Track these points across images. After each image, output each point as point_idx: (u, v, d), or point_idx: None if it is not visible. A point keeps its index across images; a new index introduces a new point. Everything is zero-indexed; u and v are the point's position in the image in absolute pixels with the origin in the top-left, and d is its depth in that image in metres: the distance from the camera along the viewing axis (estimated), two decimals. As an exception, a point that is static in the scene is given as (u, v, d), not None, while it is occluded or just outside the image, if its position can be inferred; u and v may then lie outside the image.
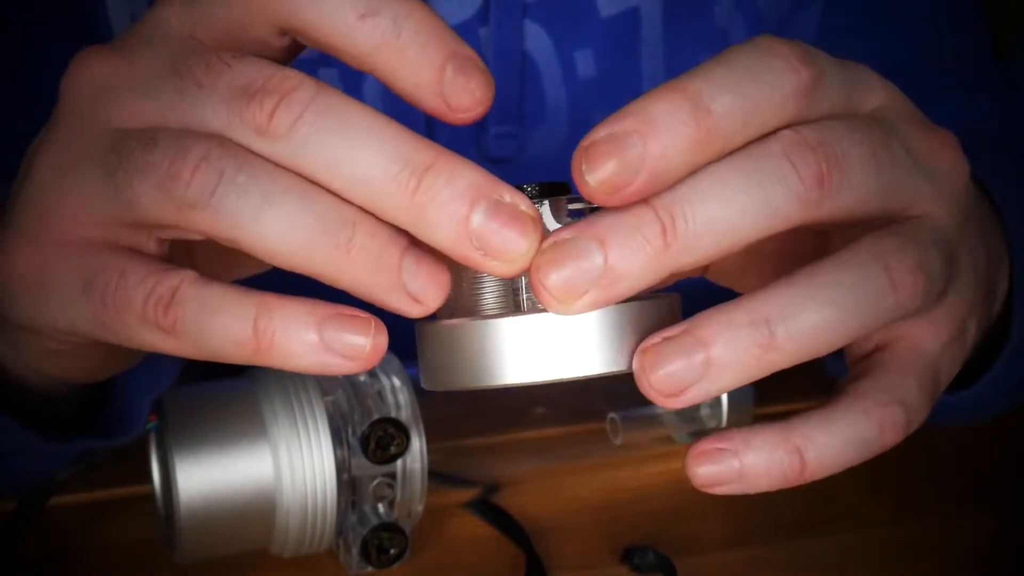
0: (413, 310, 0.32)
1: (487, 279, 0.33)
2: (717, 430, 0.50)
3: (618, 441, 0.53)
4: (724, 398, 0.53)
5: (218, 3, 0.33)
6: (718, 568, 0.50)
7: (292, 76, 0.31)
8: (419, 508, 0.49)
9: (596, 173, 0.30)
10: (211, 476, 0.44)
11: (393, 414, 0.46)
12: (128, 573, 0.50)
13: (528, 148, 0.65)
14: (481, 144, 0.64)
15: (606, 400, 0.55)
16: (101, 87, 0.33)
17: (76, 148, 0.33)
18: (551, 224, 0.34)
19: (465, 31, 0.62)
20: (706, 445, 0.33)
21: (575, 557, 0.51)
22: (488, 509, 0.53)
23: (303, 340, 0.32)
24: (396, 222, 0.31)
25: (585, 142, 0.30)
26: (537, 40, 0.63)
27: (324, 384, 0.47)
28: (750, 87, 0.30)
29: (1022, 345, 0.48)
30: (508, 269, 0.31)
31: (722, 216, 0.30)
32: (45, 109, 0.53)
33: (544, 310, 0.31)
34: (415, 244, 0.32)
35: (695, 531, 0.53)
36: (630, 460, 0.56)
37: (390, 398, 0.47)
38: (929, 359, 0.35)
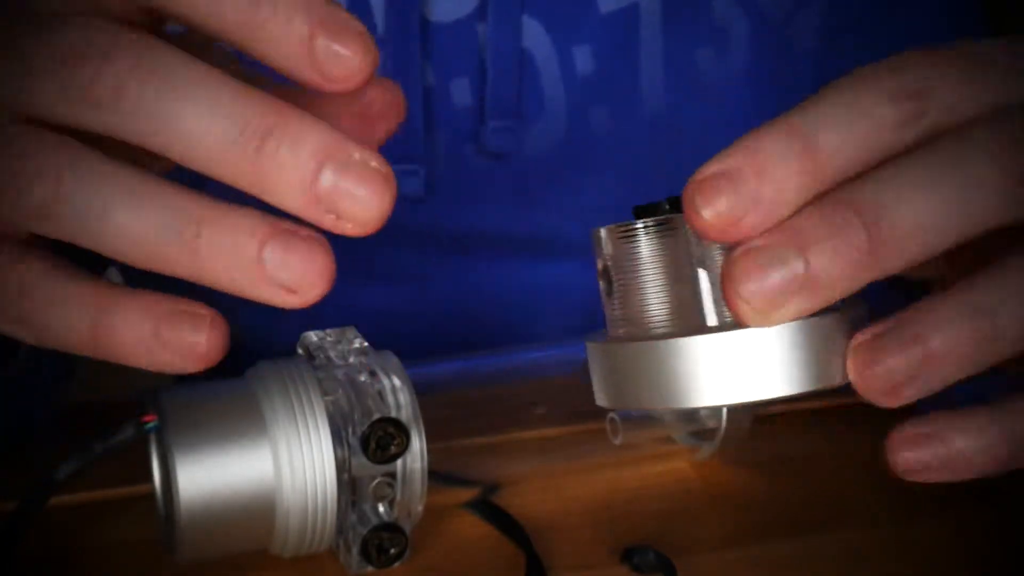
0: (289, 301, 0.31)
1: (659, 287, 0.32)
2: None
3: (618, 441, 0.53)
4: (724, 398, 0.53)
5: None
6: (718, 568, 0.50)
7: (117, 38, 0.29)
8: (419, 508, 0.49)
9: (709, 209, 0.29)
10: (211, 476, 0.44)
11: (393, 414, 0.46)
12: (128, 573, 0.50)
13: (526, 143, 0.65)
14: (479, 138, 0.64)
15: (606, 400, 0.55)
16: None
17: None
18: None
19: (463, 28, 0.62)
20: (910, 430, 0.31)
21: (575, 557, 0.51)
22: (488, 509, 0.53)
23: (140, 338, 0.31)
24: (241, 188, 0.30)
25: (697, 177, 0.30)
26: (535, 36, 0.63)
27: (325, 384, 0.47)
28: (855, 122, 0.30)
29: None
30: (362, 230, 0.30)
31: (929, 217, 0.29)
32: None
33: (734, 324, 0.30)
34: (296, 227, 0.30)
35: (695, 531, 0.53)
36: (630, 460, 0.56)
37: (390, 398, 0.47)
38: None
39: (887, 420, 0.61)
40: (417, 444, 0.47)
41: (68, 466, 0.47)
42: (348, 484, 0.47)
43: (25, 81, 0.30)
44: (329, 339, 0.50)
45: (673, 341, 0.30)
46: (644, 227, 0.32)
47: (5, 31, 0.30)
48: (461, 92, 0.64)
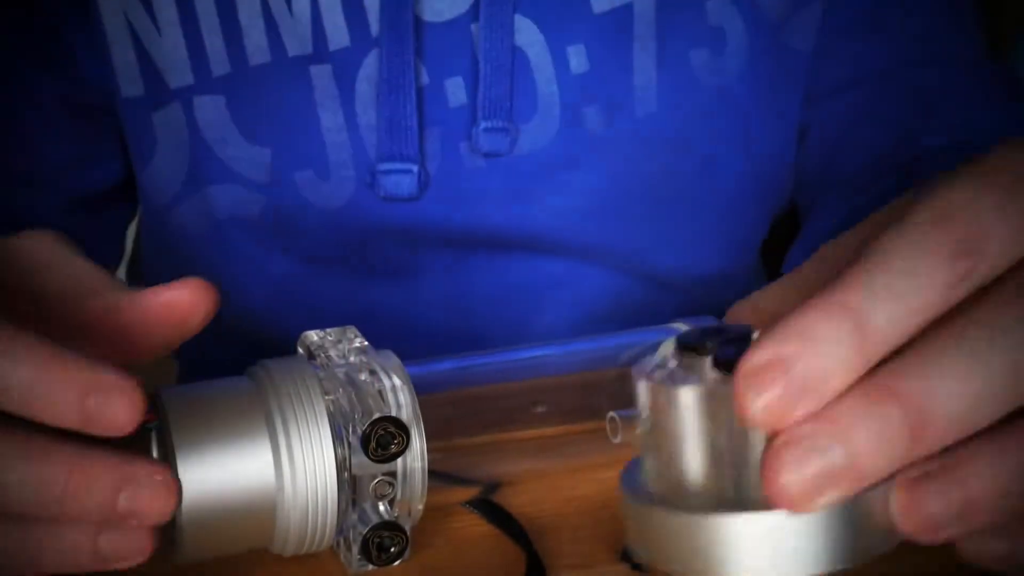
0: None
1: (701, 454, 0.31)
2: None
3: (618, 440, 0.53)
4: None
5: None
6: (718, 567, 0.50)
7: None
8: (419, 507, 0.49)
9: (761, 400, 0.29)
10: (212, 475, 0.44)
11: (393, 413, 0.46)
12: (129, 573, 0.50)
13: (520, 143, 0.65)
14: (471, 139, 0.64)
15: (606, 400, 0.55)
16: None
17: None
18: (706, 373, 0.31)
19: (457, 27, 0.63)
20: (916, 477, 0.31)
21: (575, 556, 0.51)
22: (488, 508, 0.53)
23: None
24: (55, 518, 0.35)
25: (749, 365, 0.29)
26: (528, 35, 0.63)
27: (325, 383, 0.47)
28: (909, 293, 0.29)
29: None
30: (156, 524, 0.36)
31: (976, 400, 0.29)
32: (21, 144, 0.53)
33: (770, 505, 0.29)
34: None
35: (695, 530, 0.53)
36: (630, 459, 0.56)
37: (390, 397, 0.47)
38: None
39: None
40: (417, 443, 0.48)
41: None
42: (348, 483, 0.47)
43: None
44: (330, 338, 0.51)
45: (712, 518, 0.30)
46: (694, 391, 0.31)
47: None
48: (455, 91, 0.64)
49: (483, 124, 0.63)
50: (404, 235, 0.67)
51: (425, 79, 0.64)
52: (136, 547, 0.36)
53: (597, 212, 0.69)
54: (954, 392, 0.29)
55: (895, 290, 0.29)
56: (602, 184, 0.68)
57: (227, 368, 0.79)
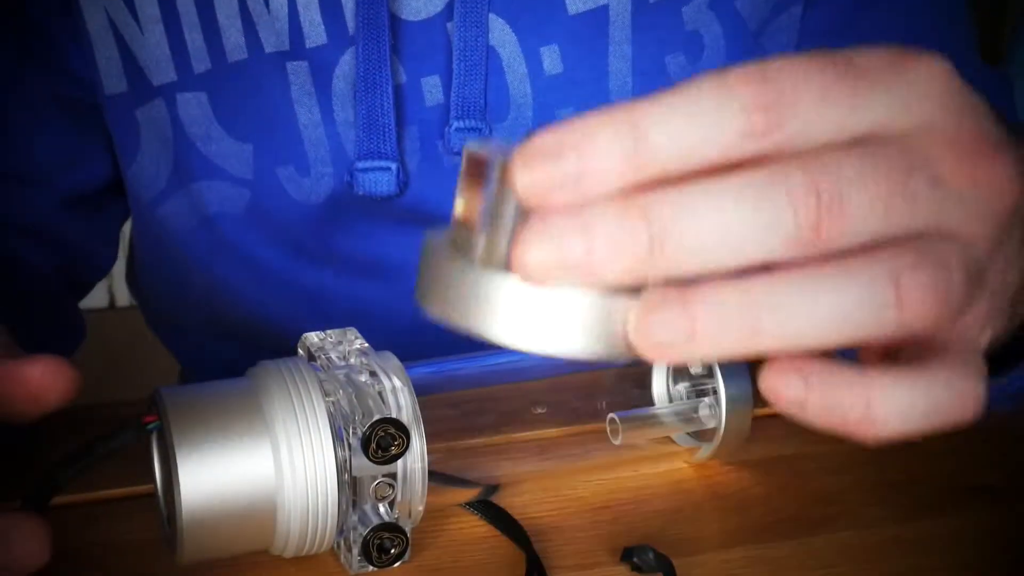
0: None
1: (481, 221, 0.33)
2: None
3: (618, 441, 0.53)
4: (723, 400, 0.54)
5: None
6: (717, 567, 0.50)
7: None
8: (419, 508, 0.49)
9: (527, 175, 0.31)
10: (212, 476, 0.45)
11: (394, 415, 0.47)
12: (129, 573, 0.50)
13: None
14: (444, 138, 0.64)
15: (606, 400, 0.56)
16: None
17: None
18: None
19: (433, 26, 0.63)
20: (784, 364, 0.32)
21: (575, 557, 0.51)
22: (488, 509, 0.53)
23: None
24: None
25: (528, 142, 0.31)
26: (501, 35, 0.64)
27: (325, 385, 0.47)
28: (696, 126, 0.30)
29: None
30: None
31: (712, 243, 0.30)
32: (13, 141, 0.53)
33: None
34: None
35: (694, 531, 0.53)
36: (630, 460, 0.57)
37: (391, 399, 0.47)
38: (979, 342, 0.35)
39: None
40: (417, 444, 0.48)
41: (70, 466, 0.47)
42: (349, 484, 0.47)
43: None
44: (330, 340, 0.51)
45: (476, 270, 0.32)
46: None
47: None
48: (432, 90, 0.64)
49: (455, 124, 0.63)
50: (388, 228, 0.67)
51: (403, 77, 0.64)
52: None
53: None
54: (701, 227, 0.30)
55: (683, 119, 0.30)
56: None
57: (227, 368, 0.79)
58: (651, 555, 0.49)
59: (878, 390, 0.32)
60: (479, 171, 0.33)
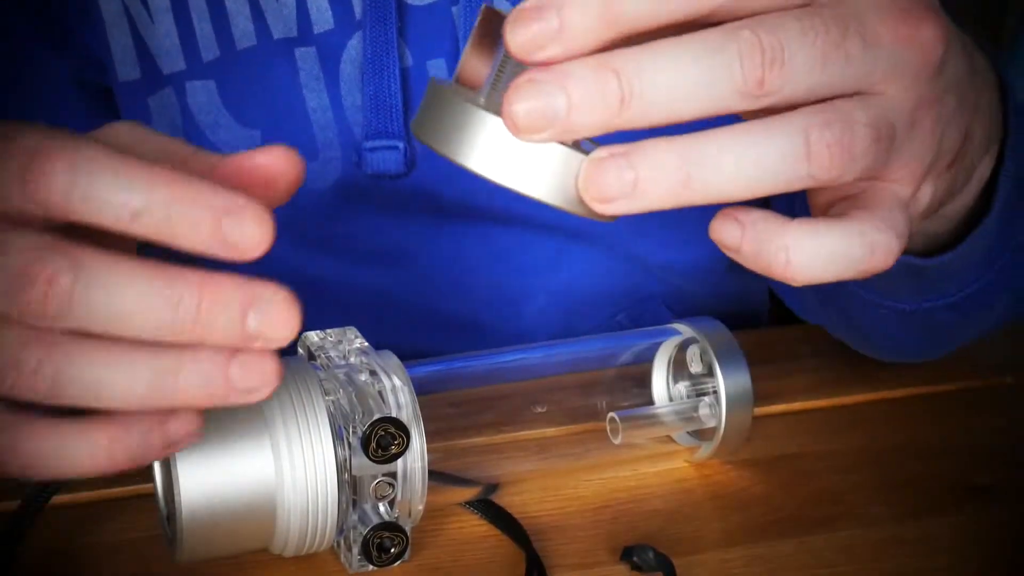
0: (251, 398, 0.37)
1: (487, 70, 0.38)
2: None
3: (618, 441, 0.53)
4: (723, 399, 0.54)
5: (10, 198, 0.34)
6: (717, 567, 0.50)
7: (52, 261, 0.34)
8: (419, 507, 0.49)
9: (519, 35, 0.34)
10: (212, 475, 0.45)
11: (394, 414, 0.47)
12: (129, 572, 0.50)
13: None
14: None
15: (606, 399, 0.56)
16: None
17: None
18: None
19: (439, 10, 0.64)
20: (727, 212, 0.37)
21: (575, 556, 0.51)
22: (488, 508, 0.53)
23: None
24: (186, 343, 0.35)
25: (520, 7, 0.34)
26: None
27: (325, 384, 0.48)
28: None
29: (1001, 219, 0.50)
30: (281, 346, 0.36)
31: (673, 94, 0.34)
32: (7, 103, 0.53)
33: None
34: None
35: (694, 530, 0.53)
36: (630, 460, 0.57)
37: (391, 398, 0.47)
38: (904, 202, 0.39)
39: (886, 421, 0.61)
40: (417, 444, 0.48)
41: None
42: (349, 483, 0.47)
43: None
44: (330, 339, 0.51)
45: (475, 109, 0.36)
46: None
47: None
48: (438, 73, 0.66)
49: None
50: (393, 215, 0.68)
51: (409, 60, 0.65)
52: (265, 377, 0.36)
53: None
54: (663, 79, 0.34)
55: None
56: None
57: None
58: (651, 554, 0.49)
59: (795, 237, 0.36)
60: (491, 30, 0.37)
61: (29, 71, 0.69)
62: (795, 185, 0.35)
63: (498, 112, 0.35)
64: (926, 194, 0.41)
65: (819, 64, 0.35)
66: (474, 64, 0.39)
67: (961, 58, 0.40)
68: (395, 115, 0.65)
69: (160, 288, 0.34)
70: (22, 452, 0.36)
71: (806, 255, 0.36)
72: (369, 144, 0.65)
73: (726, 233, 0.37)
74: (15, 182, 0.34)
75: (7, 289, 0.34)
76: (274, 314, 0.35)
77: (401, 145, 0.65)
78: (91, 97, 0.70)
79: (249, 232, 0.35)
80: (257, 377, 0.36)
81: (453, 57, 0.65)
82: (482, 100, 0.37)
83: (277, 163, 0.39)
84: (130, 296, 0.34)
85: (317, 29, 0.65)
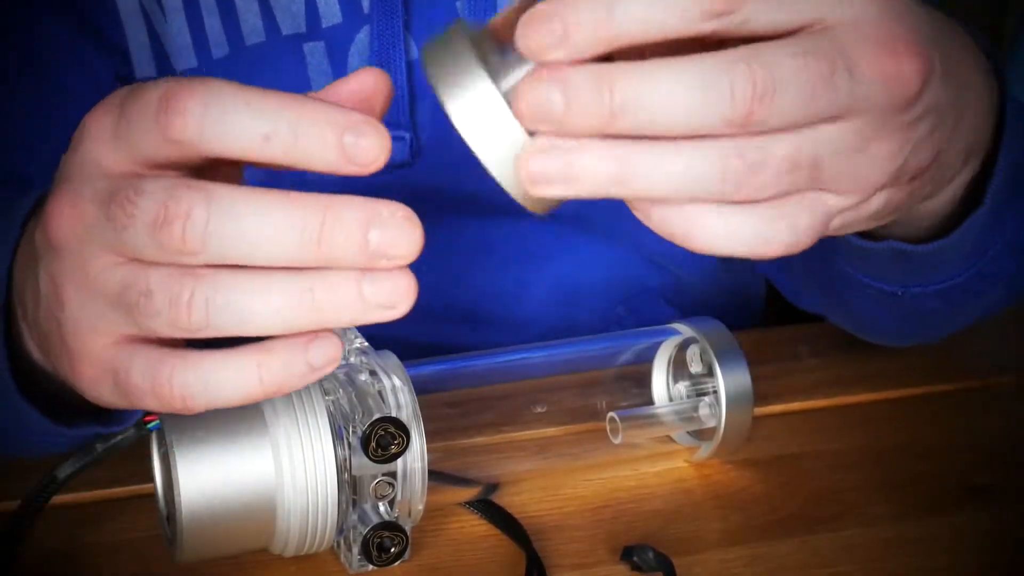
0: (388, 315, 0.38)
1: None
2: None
3: (618, 441, 0.53)
4: (723, 399, 0.54)
5: (143, 144, 0.38)
6: (717, 567, 0.50)
7: (186, 198, 0.37)
8: (419, 507, 0.49)
9: (527, 36, 0.36)
10: (212, 475, 0.45)
11: (393, 413, 0.47)
12: (129, 572, 0.50)
13: None
14: None
15: (606, 399, 0.56)
16: (77, 238, 0.39)
17: (86, 289, 0.39)
18: None
19: (442, 3, 0.65)
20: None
21: (575, 556, 0.51)
22: (488, 508, 0.53)
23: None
24: (317, 266, 0.37)
25: (529, 12, 0.36)
26: None
27: (325, 384, 0.48)
28: (661, 7, 0.36)
29: (991, 213, 0.51)
30: (407, 263, 0.37)
31: (663, 116, 0.36)
32: (55, 101, 0.54)
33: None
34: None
35: (694, 530, 0.53)
36: (630, 460, 0.57)
37: (390, 398, 0.47)
38: (826, 210, 0.40)
39: (886, 421, 0.61)
40: (417, 443, 0.48)
41: (70, 465, 0.47)
42: (349, 483, 0.47)
43: (127, 244, 0.37)
44: (330, 339, 0.51)
45: (483, 76, 0.38)
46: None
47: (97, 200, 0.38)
48: None
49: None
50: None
51: (414, 53, 0.66)
52: (399, 292, 0.37)
53: None
54: (658, 103, 0.36)
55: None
56: None
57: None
58: (651, 555, 0.49)
59: (703, 210, 0.38)
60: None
61: (75, 71, 0.69)
62: (721, 199, 0.38)
63: (495, 80, 0.37)
64: (878, 202, 0.41)
65: (807, 99, 0.36)
66: (508, 21, 0.39)
67: (945, 84, 0.41)
68: (401, 107, 0.66)
69: (285, 212, 0.37)
70: (180, 383, 0.38)
71: (709, 228, 0.38)
72: None
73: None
74: (152, 127, 0.37)
75: (151, 231, 0.36)
76: (394, 230, 0.37)
77: (407, 135, 0.66)
78: None
79: (370, 145, 0.37)
80: (390, 292, 0.37)
81: None
82: (494, 60, 0.38)
83: (372, 83, 0.41)
84: (258, 223, 0.36)
85: (325, 23, 0.66)
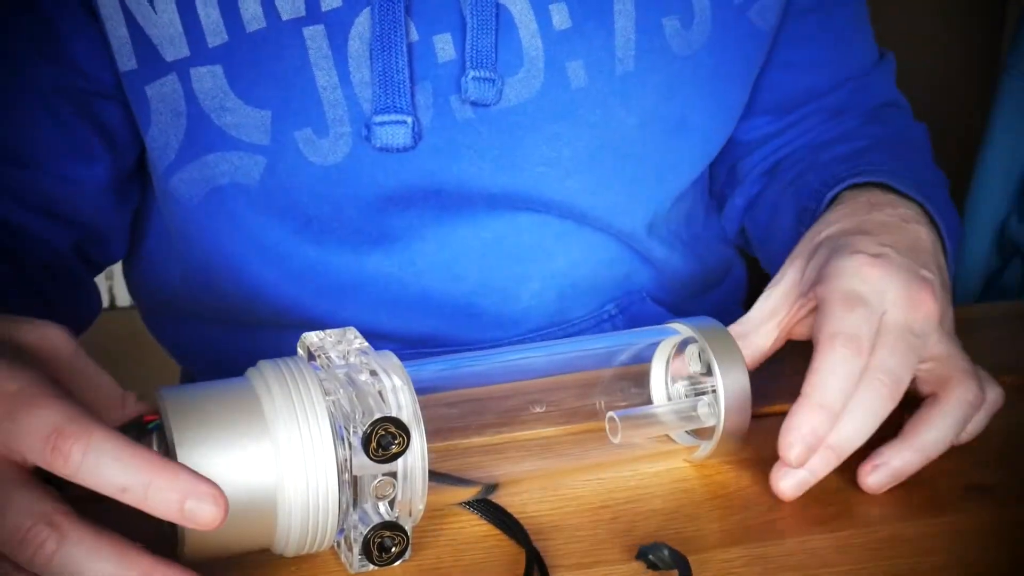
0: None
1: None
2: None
3: (617, 440, 0.53)
4: (722, 398, 0.54)
5: (24, 452, 0.44)
6: (717, 566, 0.50)
7: (44, 533, 0.43)
8: (420, 507, 0.49)
9: (784, 482, 0.54)
10: (213, 475, 0.45)
11: (394, 413, 0.47)
12: None
13: (506, 95, 0.68)
14: (460, 89, 0.66)
15: (605, 399, 0.56)
16: None
17: None
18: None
19: None
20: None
21: (575, 555, 0.51)
22: (488, 508, 0.53)
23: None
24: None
25: (786, 436, 0.54)
26: None
27: (325, 384, 0.48)
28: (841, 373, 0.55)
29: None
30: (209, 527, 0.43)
31: (860, 434, 0.55)
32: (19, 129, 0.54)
33: None
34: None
35: (694, 529, 0.53)
36: (630, 460, 0.57)
37: (391, 398, 0.47)
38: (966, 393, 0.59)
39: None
40: (418, 443, 0.48)
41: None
42: (349, 483, 0.47)
43: None
44: (330, 339, 0.51)
45: None
46: None
47: None
48: (444, 47, 0.67)
49: (471, 73, 0.66)
50: (397, 194, 0.68)
51: (415, 36, 0.67)
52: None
53: (577, 167, 0.71)
54: (852, 435, 0.55)
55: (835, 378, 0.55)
56: (582, 140, 0.70)
57: (223, 353, 0.79)
58: (666, 552, 0.49)
59: (889, 454, 0.57)
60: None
61: (16, 77, 0.69)
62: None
63: None
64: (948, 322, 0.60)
65: (908, 372, 0.56)
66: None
67: (943, 263, 0.63)
68: (403, 91, 0.66)
69: (120, 566, 0.43)
70: None
71: (898, 461, 0.56)
72: (378, 119, 0.66)
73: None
74: (37, 453, 0.43)
75: (8, 539, 0.43)
76: (205, 505, 0.42)
77: (409, 120, 0.66)
78: (72, 103, 0.70)
79: (207, 511, 0.42)
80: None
81: (458, 31, 0.66)
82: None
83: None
84: (96, 567, 0.43)
85: (325, 7, 0.66)
